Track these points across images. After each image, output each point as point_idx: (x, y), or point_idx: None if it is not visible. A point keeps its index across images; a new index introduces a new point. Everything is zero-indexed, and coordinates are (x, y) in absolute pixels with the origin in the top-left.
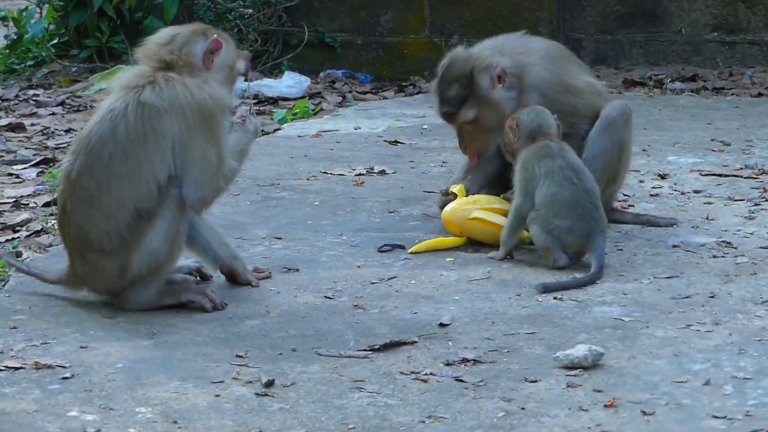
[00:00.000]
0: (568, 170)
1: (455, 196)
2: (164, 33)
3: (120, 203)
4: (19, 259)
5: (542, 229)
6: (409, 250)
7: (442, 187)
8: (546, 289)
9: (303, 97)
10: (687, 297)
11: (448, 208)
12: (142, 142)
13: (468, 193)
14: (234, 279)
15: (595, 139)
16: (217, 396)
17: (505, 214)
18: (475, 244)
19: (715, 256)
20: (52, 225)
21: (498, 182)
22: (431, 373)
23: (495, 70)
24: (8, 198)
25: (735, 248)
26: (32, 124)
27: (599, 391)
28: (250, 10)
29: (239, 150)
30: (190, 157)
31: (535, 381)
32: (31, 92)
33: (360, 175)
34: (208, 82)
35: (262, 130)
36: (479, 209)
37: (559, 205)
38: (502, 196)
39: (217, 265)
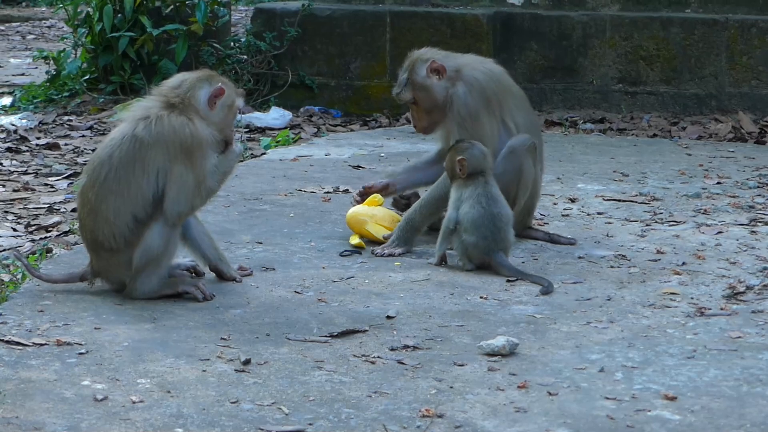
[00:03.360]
0: (482, 196)
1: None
2: (176, 78)
3: (117, 213)
4: (49, 254)
5: (457, 239)
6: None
7: (366, 184)
8: (545, 291)
9: (285, 128)
10: (588, 299)
11: (351, 210)
12: (131, 167)
13: (396, 188)
14: (221, 276)
15: (498, 162)
16: (204, 371)
17: (390, 229)
18: (418, 253)
19: (612, 266)
20: (78, 227)
21: (423, 189)
22: (378, 357)
23: (432, 64)
24: (44, 204)
25: (629, 260)
26: (66, 144)
27: (514, 375)
28: (245, 56)
29: (222, 172)
30: (170, 180)
31: (462, 365)
32: (66, 118)
33: (328, 192)
34: (194, 120)
35: (252, 154)
36: (372, 223)
37: (468, 222)
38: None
39: (206, 262)
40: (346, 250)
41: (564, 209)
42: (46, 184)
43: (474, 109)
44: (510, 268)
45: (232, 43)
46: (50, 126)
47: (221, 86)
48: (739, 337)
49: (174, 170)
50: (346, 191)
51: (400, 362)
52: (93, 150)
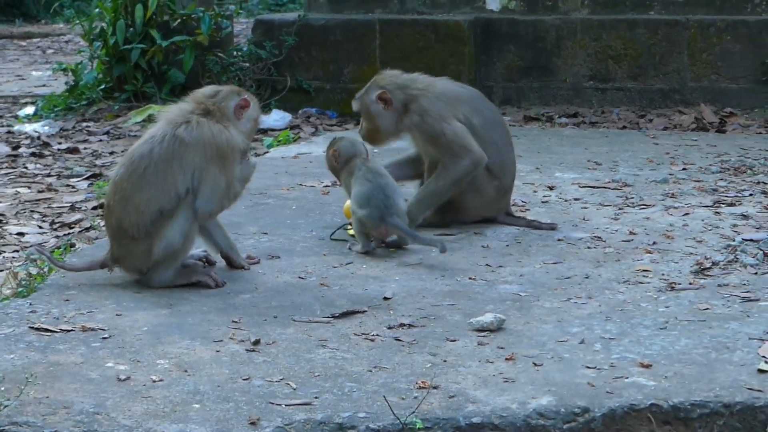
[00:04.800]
0: (367, 173)
1: None
2: (210, 88)
3: (147, 203)
4: (72, 249)
5: (354, 219)
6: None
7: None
8: (442, 250)
9: (286, 129)
10: (568, 278)
11: (348, 202)
12: (170, 163)
13: None
14: (231, 263)
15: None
16: (218, 351)
17: None
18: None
19: (589, 247)
20: (98, 223)
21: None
22: (377, 335)
23: (382, 93)
24: (66, 203)
25: (604, 241)
26: (85, 148)
27: (502, 348)
28: (247, 64)
29: (243, 178)
30: (204, 180)
31: (454, 340)
32: (84, 124)
33: (327, 186)
34: (229, 128)
35: (255, 153)
36: None
37: (360, 198)
38: None
39: (218, 251)
40: (335, 231)
41: (543, 196)
42: (68, 185)
43: (436, 129)
44: (405, 229)
45: (235, 52)
46: (70, 132)
47: (246, 98)
48: (707, 308)
49: (209, 171)
50: None
51: (397, 339)
52: (110, 153)
